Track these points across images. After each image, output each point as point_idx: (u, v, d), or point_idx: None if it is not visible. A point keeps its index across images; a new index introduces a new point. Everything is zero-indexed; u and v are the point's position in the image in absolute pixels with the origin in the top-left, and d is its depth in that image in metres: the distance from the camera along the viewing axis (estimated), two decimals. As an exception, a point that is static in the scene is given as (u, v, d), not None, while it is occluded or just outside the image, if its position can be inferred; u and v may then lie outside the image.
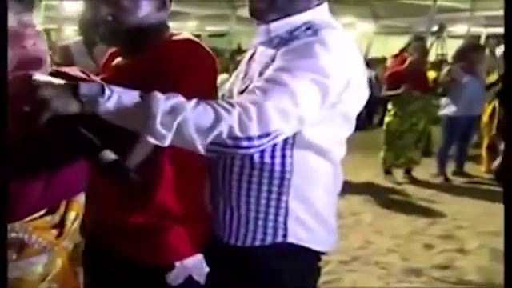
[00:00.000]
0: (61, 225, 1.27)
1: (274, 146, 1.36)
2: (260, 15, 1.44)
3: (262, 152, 1.37)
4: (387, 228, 4.33)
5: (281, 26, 1.41)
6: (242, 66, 1.54)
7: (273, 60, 1.34)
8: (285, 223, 1.43)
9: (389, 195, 5.40)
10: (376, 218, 4.59)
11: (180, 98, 1.16)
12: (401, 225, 4.44)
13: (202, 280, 1.45)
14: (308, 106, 1.27)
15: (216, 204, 1.50)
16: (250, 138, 1.19)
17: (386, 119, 5.86)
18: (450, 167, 6.09)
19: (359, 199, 5.13)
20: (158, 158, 1.32)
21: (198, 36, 1.55)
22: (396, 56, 6.72)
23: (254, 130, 1.19)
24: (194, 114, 1.15)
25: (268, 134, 1.22)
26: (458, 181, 5.93)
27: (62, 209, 1.28)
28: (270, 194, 1.42)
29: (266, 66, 1.35)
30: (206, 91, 1.33)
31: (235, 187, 1.44)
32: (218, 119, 1.16)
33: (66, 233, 1.28)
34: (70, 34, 7.15)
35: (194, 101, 1.17)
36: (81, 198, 1.35)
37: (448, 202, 5.13)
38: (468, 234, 4.25)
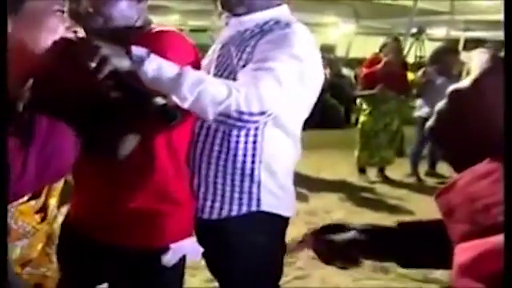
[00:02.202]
0: (44, 210, 1.33)
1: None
2: (231, 8, 1.65)
3: (239, 131, 1.57)
4: (358, 226, 4.38)
5: (250, 20, 1.63)
6: (213, 57, 1.69)
7: (253, 48, 1.55)
8: (258, 194, 1.63)
9: (362, 193, 5.48)
10: (348, 216, 4.65)
11: (203, 72, 1.41)
12: (372, 223, 4.50)
13: (197, 258, 1.58)
14: (289, 85, 1.48)
15: (191, 182, 1.63)
16: (251, 114, 1.41)
17: (361, 118, 5.94)
18: (424, 167, 6.20)
19: (333, 197, 5.20)
20: (154, 142, 1.42)
21: (180, 31, 1.62)
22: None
23: (256, 108, 1.40)
24: (212, 86, 1.36)
25: (264, 112, 1.44)
26: (430, 181, 6.03)
27: (43, 195, 1.33)
28: (244, 170, 1.61)
29: (248, 54, 1.56)
30: None
31: (213, 164, 1.61)
32: (229, 93, 1.36)
33: (49, 218, 1.33)
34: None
35: (212, 77, 1.42)
36: (59, 185, 1.38)
37: (420, 201, 5.20)
38: (437, 233, 4.32)
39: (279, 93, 1.46)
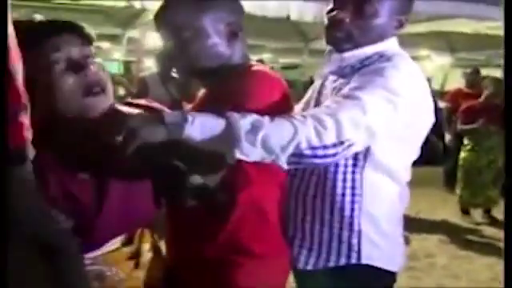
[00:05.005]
0: (137, 256, 1.33)
1: (346, 168, 1.43)
2: (337, 44, 1.52)
3: (335, 175, 1.43)
4: (464, 272, 4.09)
5: (353, 56, 1.49)
6: (313, 94, 1.62)
7: (348, 84, 1.41)
8: (358, 244, 1.46)
9: (467, 236, 5.12)
10: (452, 261, 4.35)
11: (254, 115, 1.22)
12: (480, 269, 4.18)
13: None
14: (377, 117, 1.32)
15: (285, 231, 1.51)
16: (325, 147, 1.25)
17: (462, 154, 5.58)
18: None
19: (434, 239, 4.90)
20: (233, 192, 1.33)
21: (271, 68, 1.58)
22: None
23: (329, 139, 1.25)
24: (273, 127, 1.21)
25: (342, 143, 1.27)
26: (543, 223, 5.55)
27: (136, 240, 1.34)
28: (343, 218, 1.45)
29: (340, 90, 1.42)
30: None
31: (309, 212, 1.48)
32: (296, 130, 1.21)
33: (143, 264, 1.34)
34: (151, 66, 7.38)
35: (267, 117, 1.23)
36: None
37: (532, 245, 4.80)
38: (555, 282, 3.94)
39: (363, 122, 1.29)
